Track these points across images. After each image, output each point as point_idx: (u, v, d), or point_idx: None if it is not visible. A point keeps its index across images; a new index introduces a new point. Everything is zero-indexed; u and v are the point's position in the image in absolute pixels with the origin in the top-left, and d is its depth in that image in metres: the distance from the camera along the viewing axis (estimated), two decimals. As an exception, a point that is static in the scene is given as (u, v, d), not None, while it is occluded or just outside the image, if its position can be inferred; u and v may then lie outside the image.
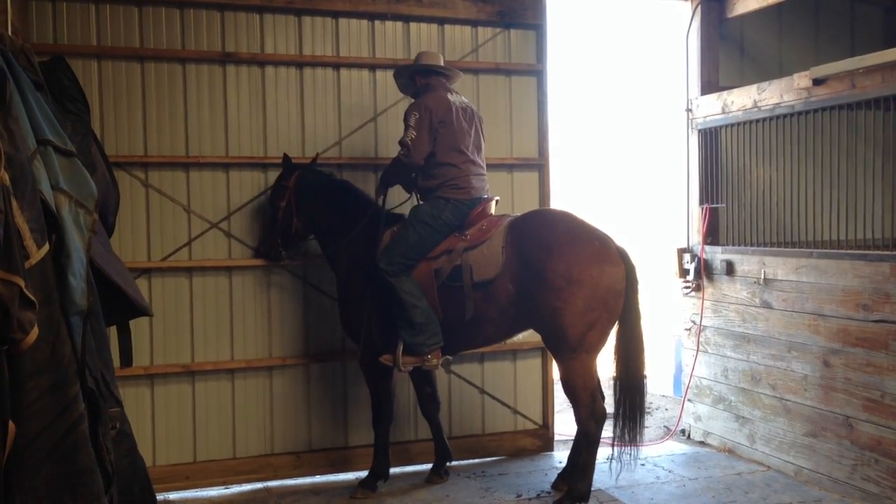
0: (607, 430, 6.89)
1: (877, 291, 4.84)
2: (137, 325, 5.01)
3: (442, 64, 5.34)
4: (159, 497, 5.06)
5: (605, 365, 5.24)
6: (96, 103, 5.18)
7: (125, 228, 5.23)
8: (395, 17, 5.84)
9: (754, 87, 5.92)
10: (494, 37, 6.09)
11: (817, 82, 5.32)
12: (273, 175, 5.59)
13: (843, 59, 5.20)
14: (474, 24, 6.03)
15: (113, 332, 2.92)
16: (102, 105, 5.24)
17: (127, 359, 2.99)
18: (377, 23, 5.82)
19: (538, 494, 5.21)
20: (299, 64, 5.66)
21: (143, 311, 2.89)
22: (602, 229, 4.98)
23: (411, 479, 5.51)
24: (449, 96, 5.19)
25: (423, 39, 5.93)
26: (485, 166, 5.32)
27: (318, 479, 5.63)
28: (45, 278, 2.22)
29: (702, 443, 6.40)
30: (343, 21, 5.75)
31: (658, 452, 6.15)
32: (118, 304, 2.77)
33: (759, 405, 5.80)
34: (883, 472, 4.81)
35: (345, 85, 5.77)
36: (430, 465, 5.57)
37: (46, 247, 2.24)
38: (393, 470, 5.47)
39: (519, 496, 5.20)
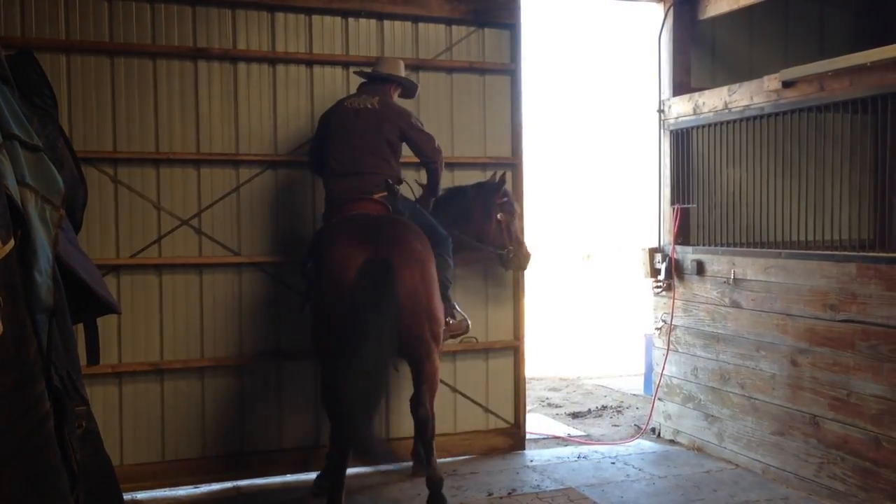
0: (579, 428, 6.94)
1: (843, 291, 4.90)
2: (105, 323, 4.96)
3: (379, 69, 5.33)
4: (127, 497, 5.02)
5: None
6: (64, 98, 5.11)
7: (93, 225, 5.17)
8: (369, 15, 5.82)
9: (725, 88, 5.98)
10: (468, 36, 6.09)
11: (786, 85, 5.38)
12: (245, 172, 5.55)
13: (812, 62, 5.26)
14: (448, 22, 6.03)
15: (80, 329, 2.88)
16: (71, 100, 5.18)
17: (94, 357, 2.94)
18: (351, 20, 5.80)
19: (509, 493, 5.23)
20: (272, 60, 5.63)
21: (111, 308, 2.85)
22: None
23: (380, 478, 5.49)
24: (346, 102, 5.20)
25: (397, 37, 5.92)
26: (369, 160, 5.09)
27: (289, 477, 5.60)
28: (9, 274, 2.18)
29: (672, 441, 6.45)
30: (316, 18, 5.72)
31: (628, 451, 6.20)
32: (85, 301, 2.73)
33: (728, 404, 5.86)
34: (849, 471, 4.88)
35: (318, 82, 5.74)
36: (398, 465, 5.57)
37: (12, 243, 2.20)
38: (363, 469, 5.45)
39: (490, 495, 5.21)
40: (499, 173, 5.86)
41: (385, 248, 4.66)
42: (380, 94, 5.23)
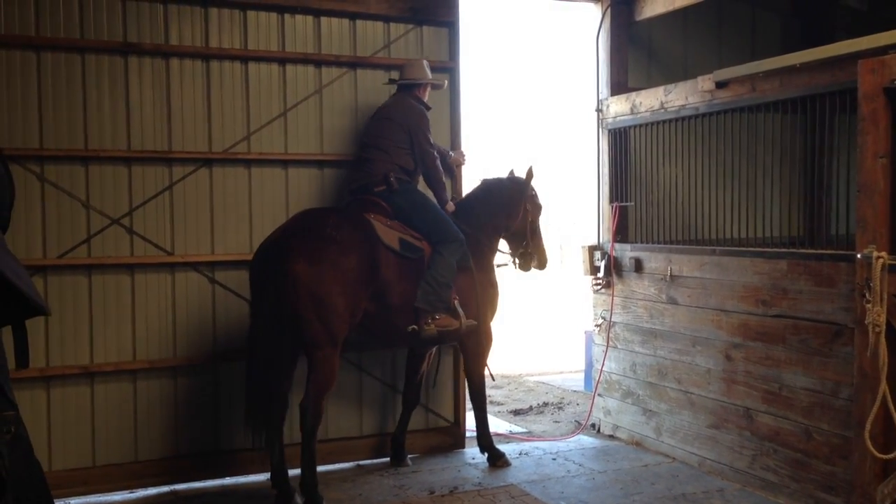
0: (521, 425, 6.97)
1: (775, 287, 5.02)
2: (32, 325, 4.76)
3: (406, 74, 5.65)
4: (58, 503, 4.86)
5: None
6: (-12, 93, 4.93)
7: (19, 225, 4.98)
8: (306, 11, 5.74)
9: (661, 88, 6.07)
10: (407, 33, 6.06)
11: (720, 85, 5.49)
12: (178, 170, 5.43)
13: (744, 64, 5.37)
14: (386, 19, 5.99)
15: (7, 332, 2.77)
16: (-5, 95, 4.99)
17: (23, 360, 2.84)
18: (287, 16, 5.72)
19: (451, 491, 5.22)
20: (206, 56, 5.51)
21: (39, 310, 2.75)
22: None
23: (320, 478, 5.41)
24: (379, 107, 5.70)
25: (335, 34, 5.85)
26: (374, 156, 5.47)
27: (226, 480, 5.50)
28: (-70, 275, 2.09)
29: (611, 436, 6.52)
30: (251, 13, 5.62)
31: (569, 447, 6.25)
32: (12, 302, 2.63)
33: (666, 398, 5.95)
34: (781, 462, 4.99)
35: (253, 79, 5.64)
36: (336, 466, 5.52)
37: (-69, 241, 2.11)
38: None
39: (432, 493, 5.19)
40: (530, 166, 6.05)
41: (289, 233, 4.95)
42: (400, 94, 5.64)
